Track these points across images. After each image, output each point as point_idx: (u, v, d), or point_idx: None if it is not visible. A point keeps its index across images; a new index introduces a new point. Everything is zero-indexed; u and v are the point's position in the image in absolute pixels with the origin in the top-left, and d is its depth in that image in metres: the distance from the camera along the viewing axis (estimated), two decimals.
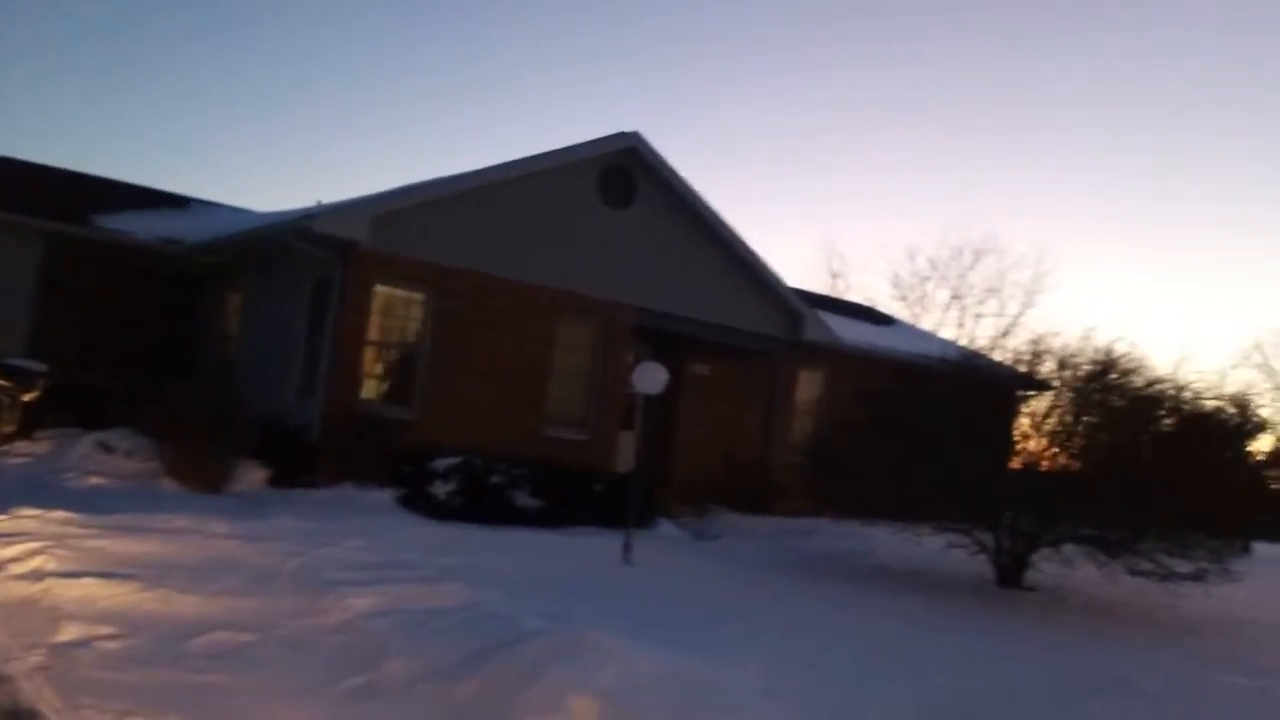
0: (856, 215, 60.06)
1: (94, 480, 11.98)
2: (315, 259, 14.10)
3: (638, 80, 59.93)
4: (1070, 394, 12.43)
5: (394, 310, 14.86)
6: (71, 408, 15.73)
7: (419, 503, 12.43)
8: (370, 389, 14.68)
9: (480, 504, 12.45)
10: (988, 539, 12.59)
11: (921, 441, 11.81)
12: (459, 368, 14.84)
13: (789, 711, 5.80)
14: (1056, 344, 12.88)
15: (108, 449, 13.06)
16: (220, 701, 5.22)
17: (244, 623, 6.55)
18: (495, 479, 12.86)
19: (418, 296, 14.81)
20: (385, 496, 12.73)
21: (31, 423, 14.74)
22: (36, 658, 5.57)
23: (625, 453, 16.68)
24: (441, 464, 12.79)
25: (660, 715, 5.36)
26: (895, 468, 12.10)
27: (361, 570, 8.21)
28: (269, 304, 16.25)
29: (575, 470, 14.11)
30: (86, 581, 6.94)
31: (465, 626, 6.54)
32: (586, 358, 16.42)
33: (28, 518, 8.61)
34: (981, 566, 12.90)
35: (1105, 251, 57.01)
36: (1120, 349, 12.46)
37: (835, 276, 40.45)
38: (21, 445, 14.27)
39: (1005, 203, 57.02)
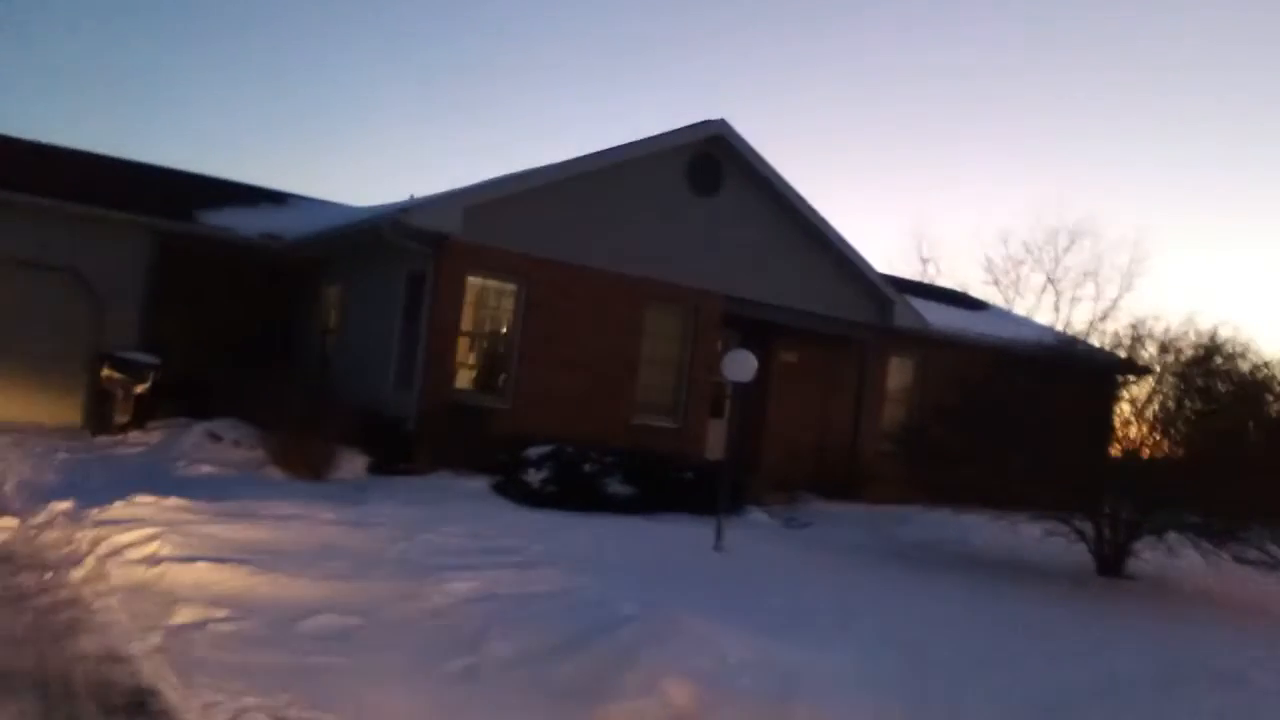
0: (947, 199, 59.02)
1: (204, 468, 12.42)
2: (409, 252, 14.40)
3: (724, 67, 59.69)
4: (1172, 379, 12.10)
5: (486, 301, 15.11)
6: (180, 398, 16.36)
7: (513, 490, 12.63)
8: (464, 379, 14.96)
9: (572, 491, 12.60)
10: (1087, 527, 12.33)
11: (1017, 428, 11.60)
12: (550, 357, 15.03)
13: (883, 699, 5.78)
14: (1157, 328, 12.56)
15: (216, 438, 13.52)
16: (329, 682, 5.42)
17: (350, 606, 6.77)
18: (587, 467, 13.00)
19: (509, 287, 15.02)
20: (480, 483, 12.96)
21: (144, 413, 15.38)
22: (155, 639, 5.84)
23: (715, 440, 16.73)
24: (535, 452, 12.98)
25: (754, 700, 5.41)
26: (990, 454, 11.92)
27: (460, 555, 8.40)
28: (365, 297, 16.64)
29: (665, 458, 14.19)
30: (200, 566, 7.22)
31: (562, 611, 6.67)
32: (675, 346, 16.48)
33: (143, 505, 8.95)
34: (1080, 555, 12.63)
35: (1208, 232, 55.08)
36: (1224, 333, 12.10)
37: (926, 262, 39.91)
38: (135, 435, 14.90)
39: (1102, 183, 55.46)
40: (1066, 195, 64.02)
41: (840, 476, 17.56)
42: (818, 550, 11.76)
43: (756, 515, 13.99)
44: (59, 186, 16.70)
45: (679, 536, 11.10)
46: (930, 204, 59.32)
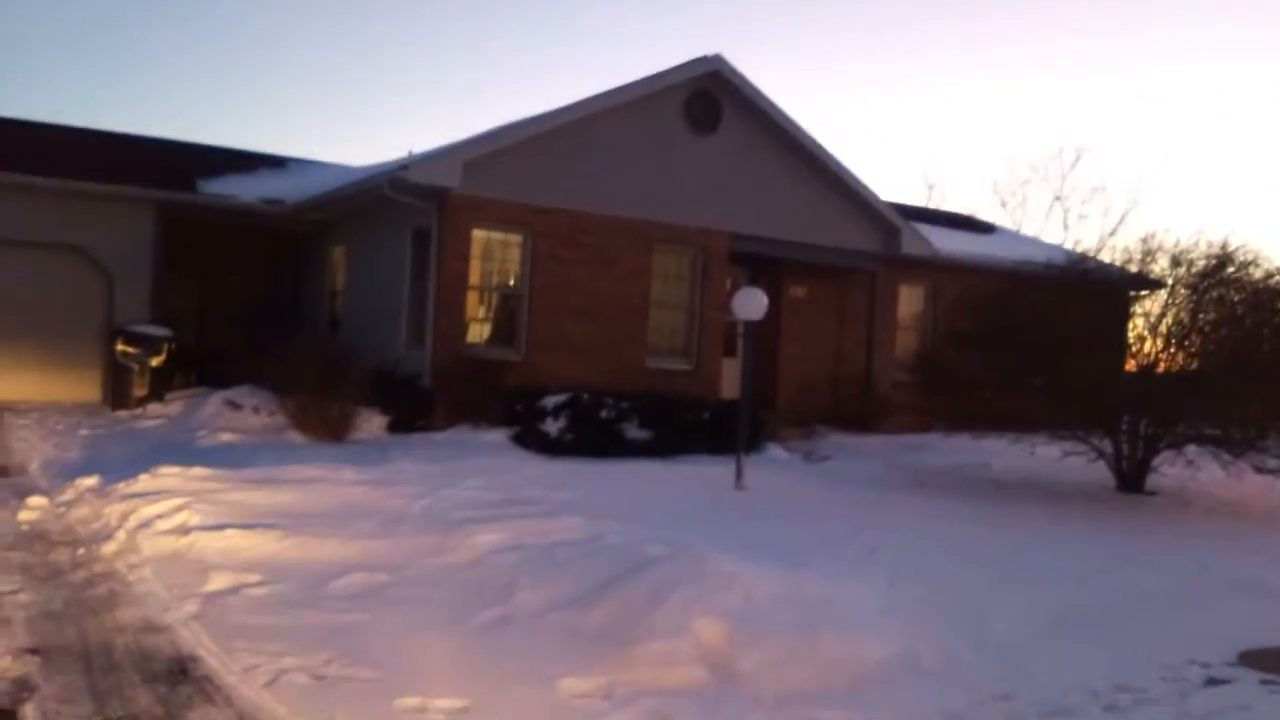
0: (950, 123, 58.30)
1: (225, 436, 12.51)
2: (412, 208, 14.35)
3: (722, 3, 58.77)
4: (1185, 292, 12.05)
5: (492, 253, 15.08)
6: (195, 368, 16.46)
7: (532, 440, 12.71)
8: (476, 332, 14.98)
9: (591, 438, 12.66)
10: (1106, 445, 12.37)
11: (1031, 349, 11.59)
12: (559, 305, 15.03)
13: (910, 626, 5.87)
14: (1168, 241, 12.49)
15: (235, 406, 13.60)
16: (365, 639, 5.51)
17: (379, 564, 6.87)
18: (604, 413, 13.05)
19: (514, 238, 14.98)
20: (499, 436, 13.04)
21: (161, 385, 15.48)
22: (191, 606, 5.95)
23: (729, 379, 16.76)
24: (551, 401, 13.03)
25: (783, 634, 5.49)
26: (1005, 378, 11.94)
27: (484, 508, 8.48)
28: (371, 256, 16.63)
29: (681, 400, 14.23)
30: (229, 533, 7.32)
31: (588, 557, 6.75)
32: (684, 287, 16.45)
33: (169, 476, 9.04)
34: (1101, 473, 12.69)
35: (1215, 139, 54.35)
36: (1235, 242, 12.03)
37: (931, 188, 39.62)
38: (154, 407, 15.00)
39: (1107, 98, 54.69)
40: (1069, 111, 63.11)
41: (856, 408, 17.60)
42: (838, 483, 11.83)
43: (775, 452, 14.06)
44: (57, 165, 16.64)
45: (699, 477, 11.18)
46: (933, 129, 58.62)
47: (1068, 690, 5.24)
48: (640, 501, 9.41)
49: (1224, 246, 11.99)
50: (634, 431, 13.06)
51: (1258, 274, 11.80)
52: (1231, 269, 11.83)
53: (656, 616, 5.57)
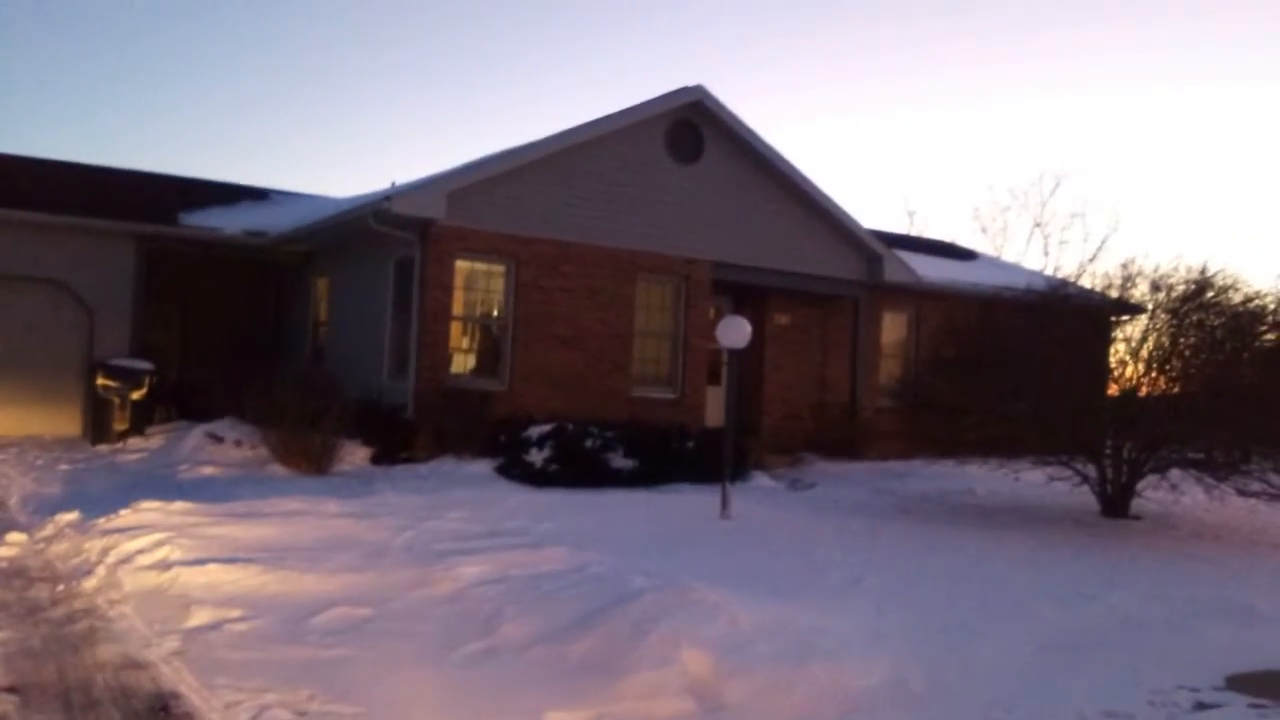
0: (931, 150, 58.80)
1: (206, 470, 12.42)
2: (395, 239, 14.36)
3: (702, 31, 59.29)
4: (1165, 316, 12.13)
5: (476, 284, 15.08)
6: (177, 402, 16.37)
7: (516, 471, 12.66)
8: (460, 363, 14.96)
9: (576, 468, 12.63)
10: (1090, 470, 12.40)
11: (1014, 375, 11.64)
12: (544, 335, 15.03)
13: (898, 653, 5.85)
14: (1148, 266, 12.58)
15: (217, 439, 13.52)
16: (348, 674, 5.45)
17: (362, 598, 6.80)
18: (589, 443, 13.02)
19: (498, 268, 15.00)
20: (483, 467, 12.98)
21: (142, 419, 15.37)
22: (172, 643, 5.87)
23: (714, 408, 16.77)
24: (535, 431, 13.00)
25: (770, 664, 5.46)
26: (989, 403, 11.96)
27: (468, 540, 8.43)
28: (355, 287, 16.60)
29: (666, 429, 14.21)
30: (211, 568, 7.24)
31: (573, 588, 6.70)
32: (668, 316, 16.48)
33: (149, 510, 8.94)
34: (1085, 498, 12.71)
35: (1194, 167, 54.98)
36: (1214, 267, 12.13)
37: (912, 214, 39.88)
38: (135, 441, 14.89)
39: (1085, 124, 55.30)
40: (1049, 137, 63.78)
41: (841, 435, 17.62)
42: (824, 511, 11.82)
43: (761, 480, 14.05)
44: (36, 199, 16.60)
45: (685, 506, 11.14)
46: (914, 155, 59.09)
47: (1056, 716, 5.22)
48: (625, 532, 9.37)
49: (1203, 271, 12.10)
50: (619, 461, 13.04)
51: (1237, 298, 11.89)
52: (1211, 293, 11.91)
53: (643, 648, 5.53)
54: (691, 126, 16.31)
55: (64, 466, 13.02)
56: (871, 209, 56.82)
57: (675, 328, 16.48)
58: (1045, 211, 38.04)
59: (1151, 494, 12.48)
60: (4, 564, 7.91)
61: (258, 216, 18.65)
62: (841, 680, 5.41)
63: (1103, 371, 12.61)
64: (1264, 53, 52.76)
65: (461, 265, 14.72)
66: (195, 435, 13.67)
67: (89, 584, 7.15)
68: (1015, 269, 23.05)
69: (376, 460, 13.39)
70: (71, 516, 9.11)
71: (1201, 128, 54.44)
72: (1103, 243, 35.70)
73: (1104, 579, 8.53)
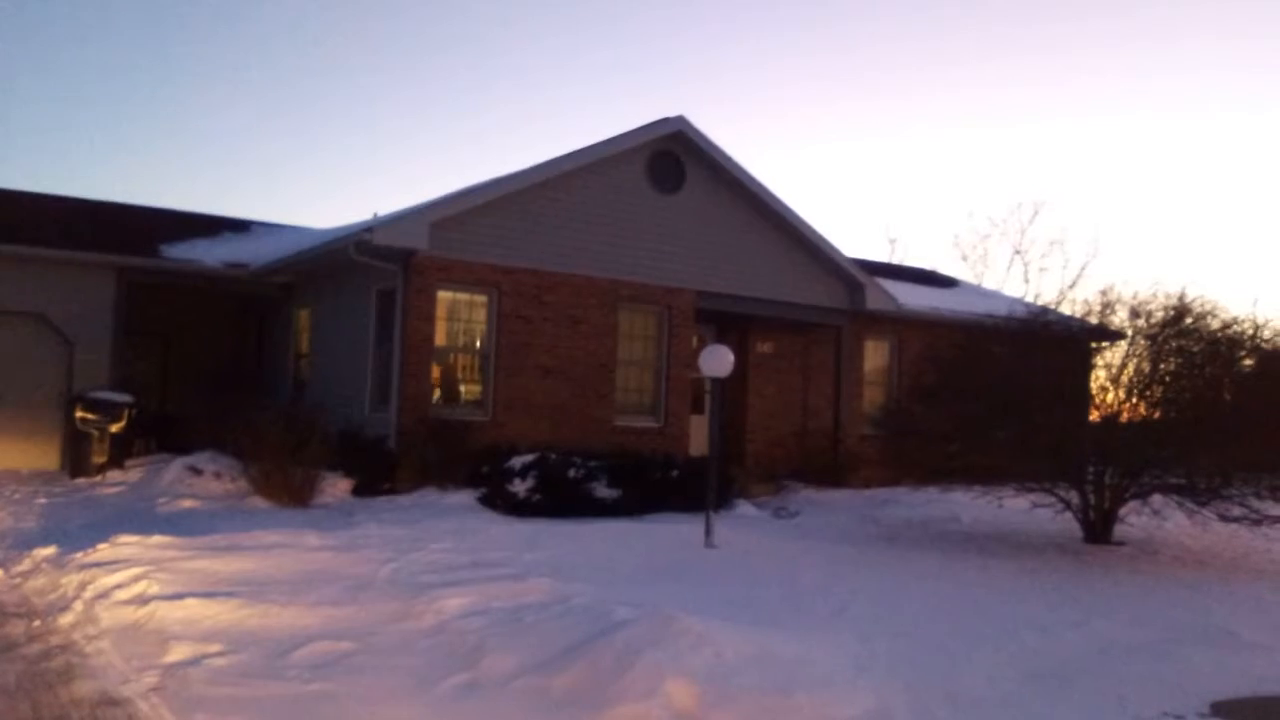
0: (911, 178, 59.29)
1: (186, 503, 12.31)
2: (377, 270, 14.34)
3: (683, 62, 59.73)
4: (1145, 342, 12.21)
5: (458, 314, 15.07)
6: (157, 434, 16.25)
7: (499, 501, 12.59)
8: (442, 394, 14.91)
9: (559, 498, 12.57)
10: (1072, 496, 12.43)
11: (996, 402, 11.68)
12: (526, 365, 15.02)
13: (883, 682, 5.82)
14: (1127, 293, 12.68)
15: (196, 472, 13.41)
16: (330, 709, 5.38)
17: (343, 631, 6.73)
18: (572, 473, 12.98)
19: (480, 298, 14.99)
20: (466, 497, 12.92)
21: (121, 452, 15.24)
22: (150, 678, 5.78)
23: (698, 436, 16.76)
24: (518, 462, 12.95)
25: (755, 694, 5.42)
26: (971, 430, 11.99)
27: (451, 571, 8.36)
28: (337, 318, 16.56)
29: (649, 458, 14.19)
30: (190, 602, 7.15)
31: (557, 620, 6.65)
32: (651, 345, 16.50)
33: (128, 545, 8.85)
34: (1068, 525, 12.73)
35: (1171, 194, 55.58)
36: (1193, 293, 12.23)
37: (893, 242, 40.16)
38: (114, 474, 14.75)
39: (1064, 151, 55.88)
40: (1028, 166, 64.39)
41: (825, 463, 17.63)
42: (808, 539, 11.80)
43: (745, 508, 14.02)
44: (15, 231, 16.53)
45: (669, 535, 11.10)
46: (895, 183, 59.55)
47: None
48: (609, 562, 9.32)
49: (1181, 298, 12.20)
50: (602, 490, 12.99)
51: (1215, 324, 11.99)
52: (1189, 320, 12.01)
53: (627, 679, 5.49)
54: (673, 157, 16.40)
55: (41, 500, 12.88)
56: (853, 237, 57.34)
57: (658, 357, 16.50)
58: (1025, 239, 38.49)
59: (1134, 519, 12.52)
60: None
61: (239, 248, 18.61)
62: (826, 711, 5.37)
63: (1084, 398, 12.66)
64: (1241, 79, 53.55)
65: (444, 295, 14.71)
66: (175, 468, 13.55)
67: (66, 619, 7.06)
68: (996, 296, 23.23)
69: (358, 492, 13.30)
70: (49, 551, 9.00)
71: (1180, 154, 55.14)
72: (1082, 269, 36.10)
73: (1087, 606, 8.53)
